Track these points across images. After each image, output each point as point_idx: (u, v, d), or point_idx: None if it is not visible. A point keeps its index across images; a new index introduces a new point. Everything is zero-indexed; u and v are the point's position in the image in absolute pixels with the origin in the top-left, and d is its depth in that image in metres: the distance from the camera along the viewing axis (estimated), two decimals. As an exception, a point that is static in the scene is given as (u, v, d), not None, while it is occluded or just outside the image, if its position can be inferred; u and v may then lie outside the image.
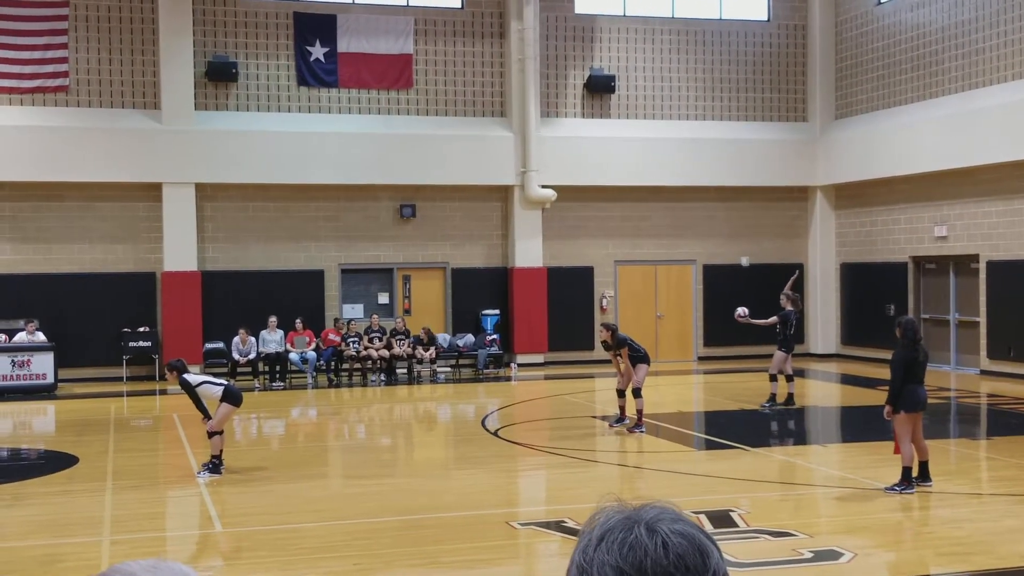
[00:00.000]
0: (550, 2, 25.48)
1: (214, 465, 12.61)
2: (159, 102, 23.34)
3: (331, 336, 22.98)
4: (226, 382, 13.31)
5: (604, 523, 1.61)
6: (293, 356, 22.39)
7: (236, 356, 21.95)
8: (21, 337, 21.34)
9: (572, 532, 9.64)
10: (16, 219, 22.80)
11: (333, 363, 22.97)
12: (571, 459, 13.77)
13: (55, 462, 13.83)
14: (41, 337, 21.46)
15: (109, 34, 23.23)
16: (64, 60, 22.73)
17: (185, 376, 12.64)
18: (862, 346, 25.69)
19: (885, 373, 12.00)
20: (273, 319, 22.60)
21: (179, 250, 23.22)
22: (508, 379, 23.49)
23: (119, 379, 22.57)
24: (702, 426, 17.69)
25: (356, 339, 22.82)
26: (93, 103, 23.16)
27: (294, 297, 23.62)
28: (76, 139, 22.61)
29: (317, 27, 24.14)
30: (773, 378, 18.09)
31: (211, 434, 12.65)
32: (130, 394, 21.54)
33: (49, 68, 22.70)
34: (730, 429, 16.33)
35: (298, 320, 22.69)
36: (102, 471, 13.12)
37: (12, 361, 20.81)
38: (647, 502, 1.64)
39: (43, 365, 21.10)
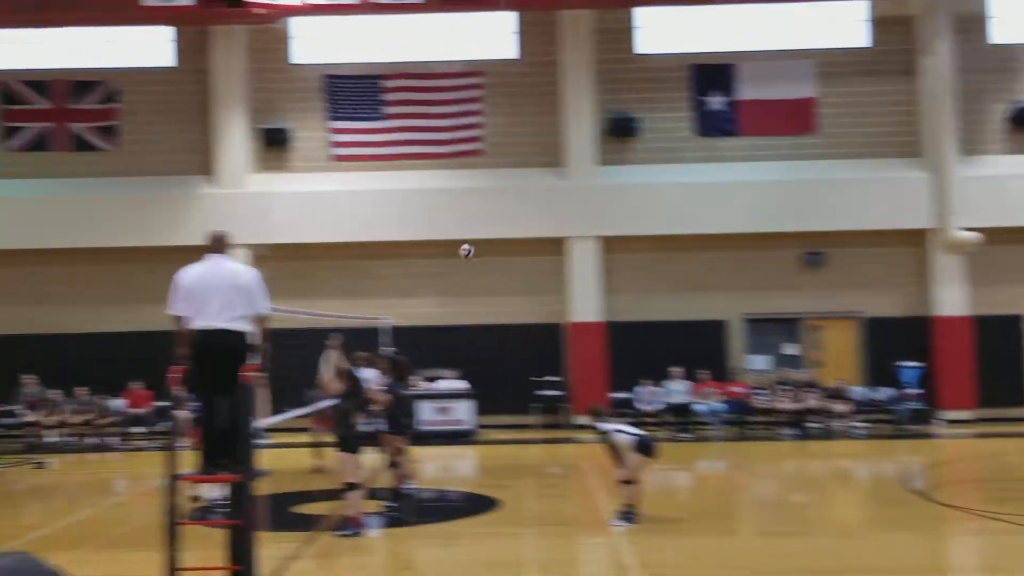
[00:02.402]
0: (964, 35, 23.94)
1: (629, 514, 12.56)
2: (564, 160, 24.21)
3: (737, 388, 22.55)
4: (640, 432, 13.25)
5: None
6: (700, 407, 22.17)
7: (642, 406, 22.07)
8: (443, 385, 22.71)
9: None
10: (438, 275, 24.40)
11: (741, 415, 22.49)
12: (1015, 525, 12.43)
13: (479, 504, 14.39)
14: (461, 385, 22.72)
15: (518, 99, 24.46)
16: (479, 126, 24.18)
17: (601, 424, 12.74)
18: None
19: None
20: (677, 369, 22.54)
21: (584, 302, 23.85)
22: (933, 436, 21.88)
23: (530, 426, 23.37)
24: None
25: (764, 391, 22.23)
26: (503, 164, 24.42)
27: (697, 348, 23.46)
28: (488, 198, 23.93)
29: (715, 77, 24.11)
30: None
31: (625, 483, 12.63)
32: (542, 441, 22.23)
33: (465, 134, 24.23)
34: None
35: (703, 372, 22.48)
36: (523, 515, 13.48)
37: (436, 408, 22.17)
38: None
39: (463, 411, 22.34)
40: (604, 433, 12.75)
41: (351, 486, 12.10)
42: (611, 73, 24.46)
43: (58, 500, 16.19)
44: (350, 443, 12.20)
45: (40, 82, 24.35)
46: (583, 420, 23.39)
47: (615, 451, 12.75)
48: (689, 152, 24.38)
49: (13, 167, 24.55)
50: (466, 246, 14.71)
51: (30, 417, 22.24)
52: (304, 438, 18.00)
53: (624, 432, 12.88)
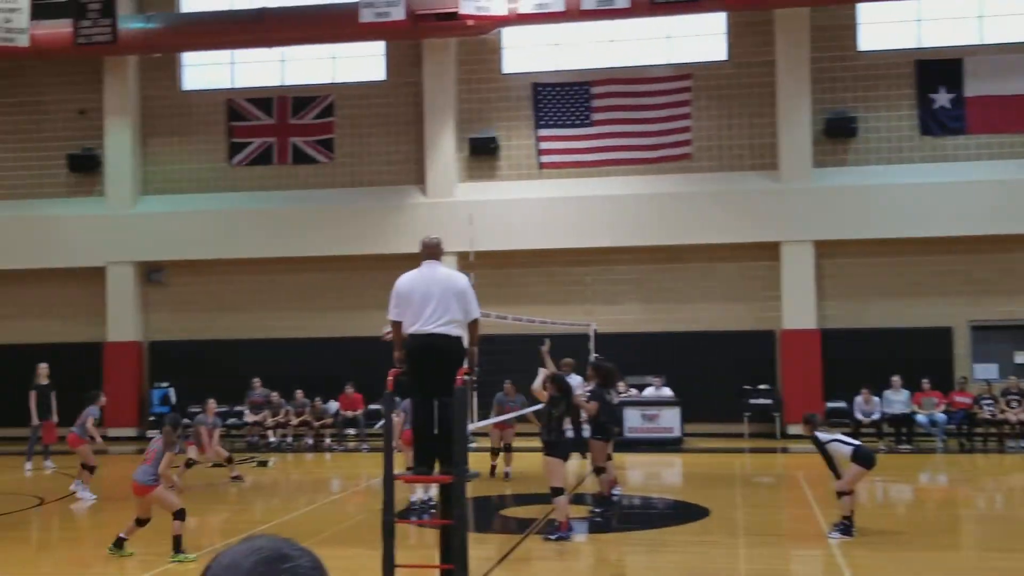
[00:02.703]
0: None
1: (845, 527, 12.11)
2: (777, 162, 23.62)
3: (961, 398, 21.42)
4: (858, 442, 12.75)
5: None
6: (921, 418, 21.18)
7: (859, 416, 21.27)
8: (649, 392, 22.52)
9: None
10: (643, 281, 24.25)
11: (965, 426, 21.35)
12: None
13: (687, 512, 14.19)
14: (668, 392, 22.48)
15: (729, 101, 24.03)
16: (687, 130, 23.88)
17: (817, 433, 12.34)
18: None
19: None
20: (897, 378, 21.59)
21: (798, 308, 23.19)
22: None
23: (740, 435, 22.90)
24: None
25: (991, 401, 21.03)
26: (713, 168, 24.04)
27: (918, 356, 22.39)
28: (697, 203, 23.59)
29: (941, 73, 22.99)
30: None
31: (841, 494, 12.19)
32: (752, 450, 21.75)
33: (673, 138, 23.97)
34: None
35: (925, 381, 21.46)
36: (733, 524, 13.20)
37: (643, 415, 22.00)
38: None
39: (670, 419, 22.08)
40: (820, 443, 12.34)
41: (558, 490, 12.13)
42: (829, 71, 23.70)
43: (278, 497, 16.94)
44: (558, 448, 12.24)
45: (263, 99, 25.63)
46: (796, 429, 22.77)
47: (831, 461, 12.32)
48: (912, 152, 23.35)
49: (238, 181, 25.95)
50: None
51: (252, 418, 23.39)
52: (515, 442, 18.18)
53: (841, 442, 12.44)
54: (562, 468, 12.30)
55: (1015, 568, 10.75)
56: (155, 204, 26.04)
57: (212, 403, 18.44)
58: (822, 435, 12.40)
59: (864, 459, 12.19)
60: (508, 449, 17.34)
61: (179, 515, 11.27)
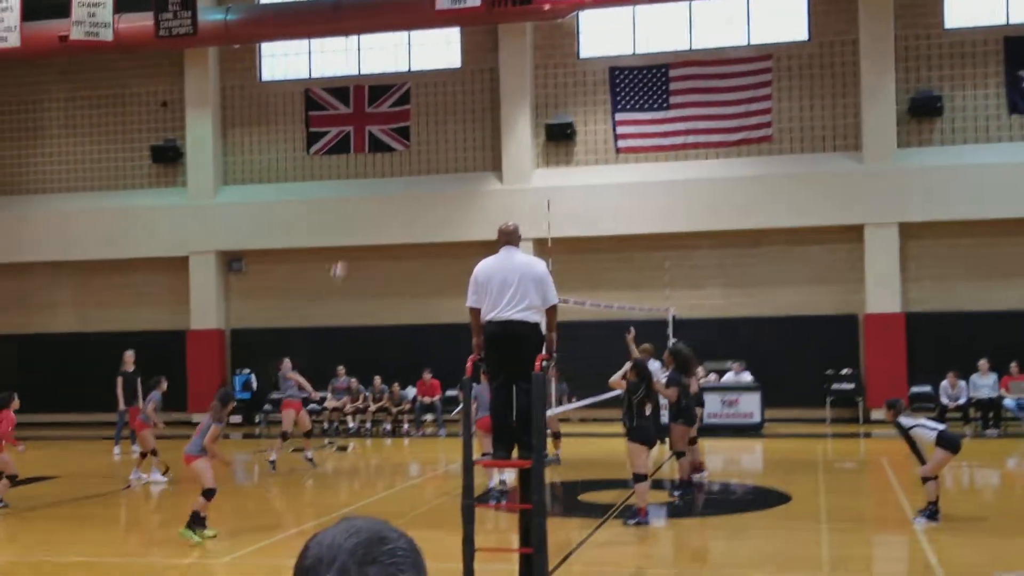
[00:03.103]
0: None
1: (931, 512, 11.87)
2: (860, 143, 23.18)
3: (1051, 383, 20.84)
4: (943, 426, 12.48)
5: None
6: (1008, 402, 20.66)
7: (945, 401, 20.82)
8: (729, 377, 22.29)
9: None
10: (723, 266, 23.99)
11: (1055, 412, 20.79)
12: None
13: (768, 498, 14.03)
14: (748, 377, 22.22)
15: (811, 81, 23.64)
16: (768, 111, 23.50)
17: (900, 419, 12.11)
18: None
19: None
20: (984, 362, 21.06)
21: (882, 292, 22.78)
22: None
23: (822, 420, 22.57)
24: None
25: (1083, 386, 20.45)
26: (795, 149, 23.67)
27: (1006, 339, 21.80)
28: (778, 186, 23.25)
29: (1030, 49, 22.29)
30: None
31: (926, 479, 11.94)
32: (834, 435, 21.42)
33: (753, 120, 23.60)
34: None
35: (1013, 364, 20.92)
36: (815, 510, 13.02)
37: (722, 400, 21.78)
38: None
39: (750, 404, 21.81)
40: (904, 428, 12.10)
41: (640, 476, 12.09)
42: (914, 50, 23.17)
43: (358, 481, 17.12)
44: (639, 433, 12.19)
45: (340, 88, 25.84)
46: (879, 415, 22.38)
47: (915, 447, 12.08)
48: (1000, 131, 22.75)
49: (316, 170, 26.22)
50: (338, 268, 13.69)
51: (332, 404, 23.65)
52: (593, 428, 18.16)
53: (925, 427, 12.18)
54: (645, 454, 12.27)
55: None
56: (235, 194, 26.45)
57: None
58: (905, 420, 12.15)
59: (949, 444, 11.94)
60: (557, 436, 17.21)
61: (207, 493, 11.45)
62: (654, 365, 15.54)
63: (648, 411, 12.35)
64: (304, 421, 17.85)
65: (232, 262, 26.57)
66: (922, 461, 11.98)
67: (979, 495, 15.26)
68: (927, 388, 21.88)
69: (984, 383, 20.92)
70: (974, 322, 22.30)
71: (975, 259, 22.72)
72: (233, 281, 26.71)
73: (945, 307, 22.74)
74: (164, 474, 16.53)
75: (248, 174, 26.71)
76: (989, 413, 20.77)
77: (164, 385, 17.06)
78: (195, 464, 11.67)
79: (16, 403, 14.26)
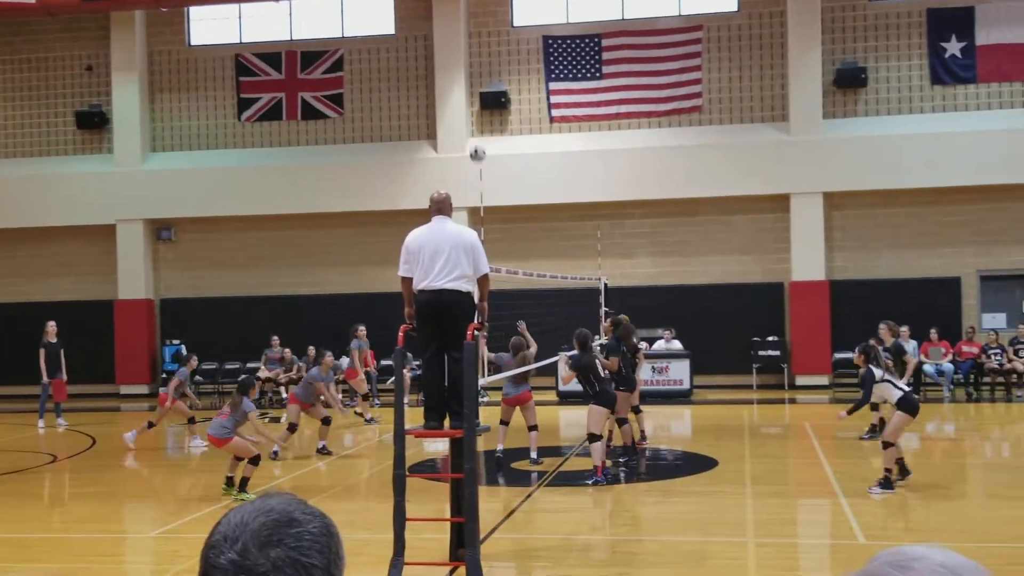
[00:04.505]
0: None
1: (886, 480, 11.88)
2: (787, 114, 23.52)
3: (968, 348, 21.47)
4: (908, 389, 12.37)
5: None
6: (928, 368, 21.25)
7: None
8: (660, 345, 22.59)
9: None
10: (654, 234, 24.26)
11: (973, 376, 21.43)
12: None
13: (696, 463, 14.32)
14: (678, 345, 22.55)
15: (740, 52, 23.90)
16: (698, 82, 23.76)
17: (871, 366, 11.94)
18: None
19: None
20: (905, 329, 21.56)
21: (807, 260, 23.20)
22: None
23: (749, 387, 23.02)
24: None
25: (999, 351, 21.08)
26: (724, 120, 23.96)
27: (927, 306, 22.43)
28: (707, 156, 23.53)
29: (953, 21, 22.82)
30: None
31: (886, 445, 12.00)
32: (760, 401, 21.87)
33: (683, 90, 23.86)
34: None
35: (933, 331, 21.49)
36: (741, 475, 13.33)
37: (652, 367, 22.08)
38: None
39: (680, 371, 22.17)
40: (871, 378, 11.89)
41: (595, 437, 12.71)
42: (840, 21, 23.53)
43: (289, 453, 17.10)
44: (601, 397, 12.74)
45: (271, 53, 25.55)
46: (804, 380, 22.92)
47: (865, 400, 12.12)
48: (923, 102, 23.24)
49: (247, 137, 25.94)
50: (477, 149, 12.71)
51: (265, 374, 23.51)
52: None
53: (893, 384, 11.98)
54: (603, 417, 12.87)
55: (1013, 516, 10.85)
56: (164, 161, 26.08)
57: (330, 357, 16.90)
58: (877, 371, 11.94)
59: (909, 406, 11.82)
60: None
61: (254, 460, 12.29)
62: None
63: (604, 374, 12.96)
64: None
65: (161, 231, 26.23)
66: (875, 415, 11.95)
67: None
68: (850, 354, 22.31)
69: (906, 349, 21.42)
70: (896, 289, 22.85)
71: (898, 228, 23.25)
72: (162, 250, 26.39)
73: (868, 275, 23.27)
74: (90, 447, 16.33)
75: (177, 141, 26.34)
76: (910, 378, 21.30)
77: (194, 362, 17.63)
78: (231, 443, 12.31)
79: None
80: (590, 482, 12.55)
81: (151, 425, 16.94)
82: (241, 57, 25.67)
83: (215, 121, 26.15)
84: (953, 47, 22.84)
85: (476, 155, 12.04)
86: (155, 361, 25.80)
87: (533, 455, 14.14)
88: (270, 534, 1.55)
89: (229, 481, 12.29)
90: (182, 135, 26.33)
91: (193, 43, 26.46)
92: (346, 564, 1.66)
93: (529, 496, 12.29)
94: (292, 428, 15.98)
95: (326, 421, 15.91)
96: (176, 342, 25.23)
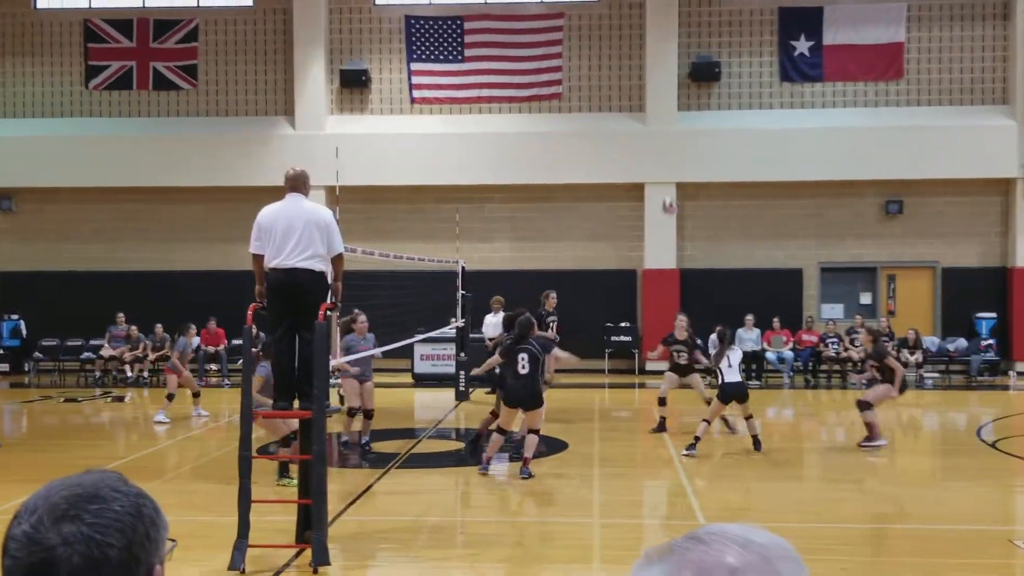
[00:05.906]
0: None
1: (695, 442, 13.28)
2: (644, 104, 23.97)
3: (808, 336, 22.36)
4: (735, 380, 13.92)
5: None
6: (770, 355, 22.04)
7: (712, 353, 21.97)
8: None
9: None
10: (513, 219, 24.44)
11: (812, 364, 22.33)
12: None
13: (546, 446, 14.52)
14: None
15: (600, 42, 24.23)
16: (558, 69, 24.01)
17: (723, 348, 13.96)
18: None
19: None
20: (750, 317, 22.38)
21: (659, 248, 23.73)
22: (1006, 388, 21.54)
23: (601, 371, 23.45)
24: None
25: (836, 340, 22.01)
26: (583, 108, 24.27)
27: (771, 295, 23.25)
28: (566, 143, 23.81)
29: (803, 21, 23.62)
30: None
31: (865, 405, 14.03)
32: (611, 386, 22.31)
33: (544, 77, 24.08)
34: None
35: (775, 320, 22.31)
36: (590, 457, 13.61)
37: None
38: None
39: (534, 355, 22.36)
40: (889, 353, 14.24)
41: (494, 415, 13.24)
42: (696, 16, 24.08)
43: (134, 433, 16.69)
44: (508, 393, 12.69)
45: (122, 20, 24.71)
46: (653, 366, 23.44)
47: (883, 373, 14.10)
48: (772, 98, 24.00)
49: (96, 106, 25.05)
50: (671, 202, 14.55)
51: (109, 352, 22.84)
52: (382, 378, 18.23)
53: (727, 370, 13.68)
54: (513, 415, 12.69)
55: (844, 498, 11.40)
56: (5, 128, 24.96)
57: (193, 329, 18.07)
58: (725, 351, 13.99)
59: (725, 395, 13.67)
60: (369, 416, 14.16)
61: (284, 441, 11.35)
62: (497, 318, 16.00)
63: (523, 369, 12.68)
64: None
65: (0, 200, 25.13)
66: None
67: (741, 443, 16.23)
68: (698, 341, 22.99)
69: (749, 337, 22.23)
70: (742, 279, 23.60)
71: (745, 219, 24.00)
72: (1, 221, 25.29)
73: (716, 264, 23.96)
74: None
75: (20, 107, 25.25)
76: (752, 365, 22.10)
77: (192, 332, 17.61)
78: (258, 422, 11.29)
79: None
80: (483, 470, 12.44)
81: (171, 397, 16.90)
82: (90, 23, 24.76)
83: (62, 88, 25.16)
84: (802, 46, 23.66)
85: (668, 208, 13.04)
86: (-8, 336, 24.74)
87: (365, 439, 14.00)
88: (67, 508, 1.50)
89: (283, 470, 11.51)
90: (25, 101, 25.25)
91: (39, 6, 25.37)
92: (173, 548, 1.61)
93: (380, 478, 12.28)
94: (170, 397, 16.81)
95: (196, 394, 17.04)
96: (15, 317, 24.28)
